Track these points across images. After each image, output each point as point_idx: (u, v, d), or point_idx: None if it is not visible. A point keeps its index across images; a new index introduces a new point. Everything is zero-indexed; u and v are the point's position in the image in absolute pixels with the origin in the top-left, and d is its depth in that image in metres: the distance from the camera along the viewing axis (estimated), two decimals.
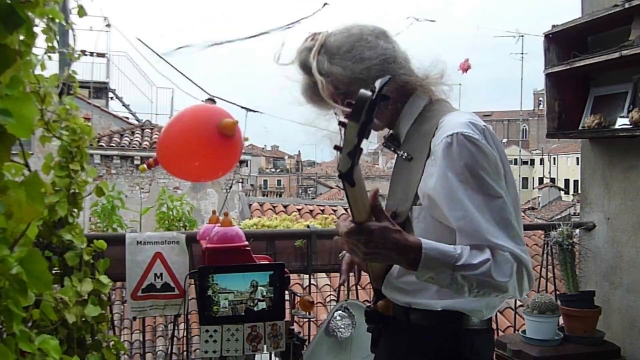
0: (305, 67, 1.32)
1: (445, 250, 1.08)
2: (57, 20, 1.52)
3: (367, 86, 1.21)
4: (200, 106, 1.83)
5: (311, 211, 9.15)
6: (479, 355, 1.25)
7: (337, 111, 1.36)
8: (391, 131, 1.37)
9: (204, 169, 1.79)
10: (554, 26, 2.78)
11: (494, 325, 2.95)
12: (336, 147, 0.87)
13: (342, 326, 2.12)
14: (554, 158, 45.03)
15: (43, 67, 1.59)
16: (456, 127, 1.15)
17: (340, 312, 2.16)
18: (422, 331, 1.25)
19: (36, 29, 1.18)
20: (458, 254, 1.07)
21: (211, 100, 1.78)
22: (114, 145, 11.16)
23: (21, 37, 1.03)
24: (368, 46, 1.26)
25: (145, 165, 1.78)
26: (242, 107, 1.65)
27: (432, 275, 1.07)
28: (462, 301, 1.19)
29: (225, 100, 1.77)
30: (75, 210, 1.86)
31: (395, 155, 1.33)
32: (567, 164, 42.35)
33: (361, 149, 0.87)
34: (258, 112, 1.63)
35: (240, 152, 1.79)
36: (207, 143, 1.69)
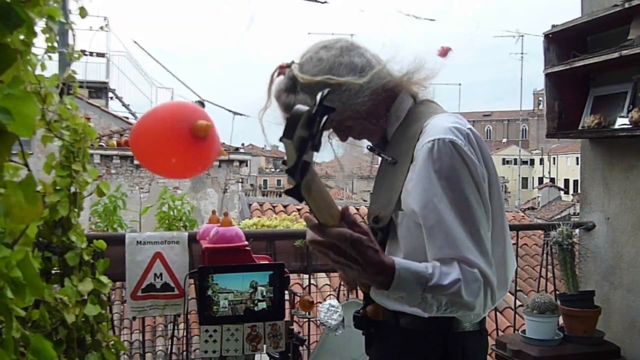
0: (288, 109, 1.25)
1: (418, 270, 1.04)
2: (57, 20, 1.52)
3: (355, 111, 1.21)
4: (176, 104, 1.83)
5: (311, 211, 9.13)
6: (469, 358, 1.24)
7: (332, 137, 1.35)
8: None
9: (179, 166, 1.80)
10: (553, 26, 2.78)
11: (493, 326, 2.96)
12: (283, 163, 0.86)
13: (329, 317, 2.10)
14: (554, 158, 45.04)
15: (43, 67, 1.59)
16: (439, 133, 1.13)
17: (324, 308, 2.13)
18: (412, 335, 1.24)
19: (36, 29, 1.18)
20: (430, 274, 1.04)
21: (200, 103, 1.79)
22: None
23: (21, 37, 1.02)
24: (346, 69, 1.22)
25: (114, 142, 1.77)
26: (229, 111, 1.65)
27: (403, 295, 1.04)
28: None
29: (213, 104, 1.77)
30: (76, 210, 1.86)
31: (380, 158, 1.30)
32: (567, 164, 42.35)
33: (307, 163, 0.85)
34: (244, 115, 1.63)
35: (216, 151, 1.80)
36: (179, 142, 1.70)
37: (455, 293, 1.04)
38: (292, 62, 1.28)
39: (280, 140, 0.84)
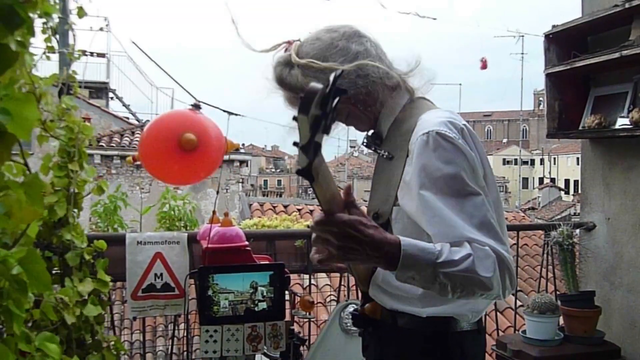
0: (281, 82, 1.29)
1: (425, 247, 1.03)
2: (56, 20, 1.52)
3: (345, 94, 1.21)
4: (166, 117, 1.94)
5: (311, 211, 9.16)
6: (468, 357, 1.24)
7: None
8: (372, 130, 1.34)
9: (180, 174, 1.91)
10: (554, 26, 2.78)
11: (494, 326, 2.95)
12: (295, 144, 0.85)
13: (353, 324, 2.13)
14: (554, 158, 44.99)
15: (35, 68, 1.58)
16: (432, 126, 1.13)
17: (347, 316, 2.15)
18: (410, 335, 1.23)
19: (35, 29, 1.17)
20: (438, 251, 1.02)
21: (196, 105, 1.81)
22: (114, 145, 11.16)
23: (17, 37, 1.02)
24: (340, 53, 1.23)
25: (131, 158, 1.84)
26: (224, 111, 1.67)
27: (413, 275, 1.02)
28: (446, 307, 1.18)
29: (209, 105, 1.80)
30: (76, 210, 1.86)
31: (377, 155, 1.31)
32: (567, 164, 42.32)
33: (318, 143, 0.84)
34: (239, 115, 1.64)
35: (216, 156, 1.83)
36: (171, 156, 1.79)
37: (468, 269, 1.01)
38: (298, 40, 1.30)
39: (294, 118, 0.83)
